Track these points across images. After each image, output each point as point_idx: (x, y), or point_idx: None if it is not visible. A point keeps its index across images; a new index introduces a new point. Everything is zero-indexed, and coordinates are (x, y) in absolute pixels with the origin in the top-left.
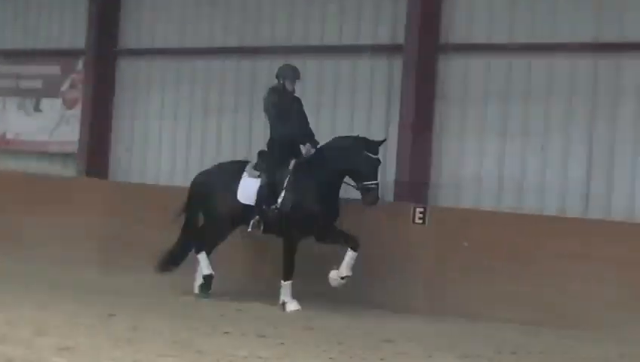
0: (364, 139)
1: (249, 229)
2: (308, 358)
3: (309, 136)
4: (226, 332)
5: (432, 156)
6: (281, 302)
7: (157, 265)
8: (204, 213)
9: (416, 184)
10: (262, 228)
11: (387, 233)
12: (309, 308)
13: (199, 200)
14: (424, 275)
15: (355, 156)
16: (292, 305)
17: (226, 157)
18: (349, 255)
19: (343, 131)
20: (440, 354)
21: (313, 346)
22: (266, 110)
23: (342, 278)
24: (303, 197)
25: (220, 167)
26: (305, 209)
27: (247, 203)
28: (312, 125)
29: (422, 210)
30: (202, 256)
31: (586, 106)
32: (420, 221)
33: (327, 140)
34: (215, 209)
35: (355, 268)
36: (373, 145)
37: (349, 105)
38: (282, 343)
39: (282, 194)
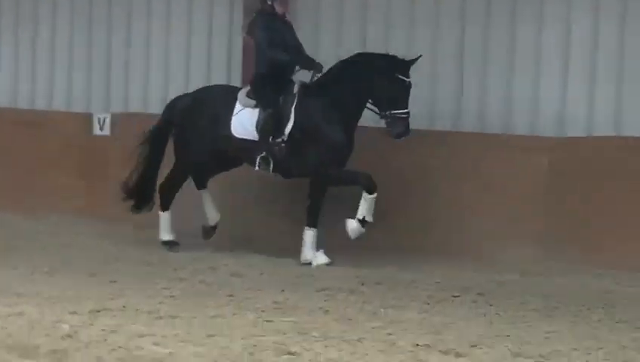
0: (395, 58)
1: (256, 168)
2: (144, 296)
3: (309, 61)
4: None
5: None
6: (308, 258)
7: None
8: (180, 152)
9: None
10: (271, 166)
11: None
12: (147, 243)
13: (177, 134)
14: None
15: (384, 78)
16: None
17: None
18: (366, 198)
19: (179, 56)
20: (295, 288)
21: (150, 283)
22: (253, 35)
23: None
24: (320, 124)
25: (205, 92)
26: (324, 138)
27: (246, 137)
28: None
29: None
30: (166, 217)
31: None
32: None
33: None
34: (197, 147)
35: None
36: (405, 66)
37: (185, 32)
38: (115, 281)
39: (290, 125)
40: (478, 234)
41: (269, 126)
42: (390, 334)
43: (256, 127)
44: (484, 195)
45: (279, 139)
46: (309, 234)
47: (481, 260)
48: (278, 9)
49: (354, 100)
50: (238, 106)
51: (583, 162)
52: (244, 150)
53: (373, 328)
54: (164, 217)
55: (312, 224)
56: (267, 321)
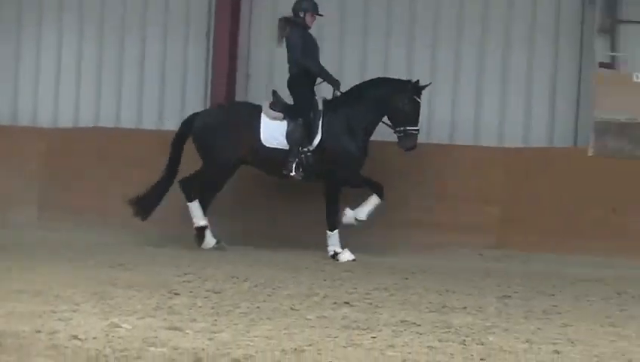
0: (411, 82)
1: (291, 173)
2: None
3: (331, 78)
4: None
5: None
6: (331, 253)
7: (134, 210)
8: (208, 160)
9: None
10: (301, 171)
11: None
12: None
13: (202, 146)
14: None
15: (405, 100)
16: (346, 255)
17: None
18: (373, 200)
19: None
20: None
21: None
22: (289, 39)
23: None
24: (344, 137)
25: (226, 108)
26: (347, 150)
27: (277, 146)
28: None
29: None
30: (195, 205)
31: None
32: None
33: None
34: (227, 155)
35: None
36: (420, 89)
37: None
38: None
39: (318, 137)
40: None
41: (300, 135)
42: None
43: (287, 137)
44: None
45: (306, 148)
46: (333, 235)
47: None
48: (308, 21)
49: (373, 116)
50: (265, 119)
51: None
52: (273, 159)
53: None
54: (194, 206)
55: (333, 226)
56: None
